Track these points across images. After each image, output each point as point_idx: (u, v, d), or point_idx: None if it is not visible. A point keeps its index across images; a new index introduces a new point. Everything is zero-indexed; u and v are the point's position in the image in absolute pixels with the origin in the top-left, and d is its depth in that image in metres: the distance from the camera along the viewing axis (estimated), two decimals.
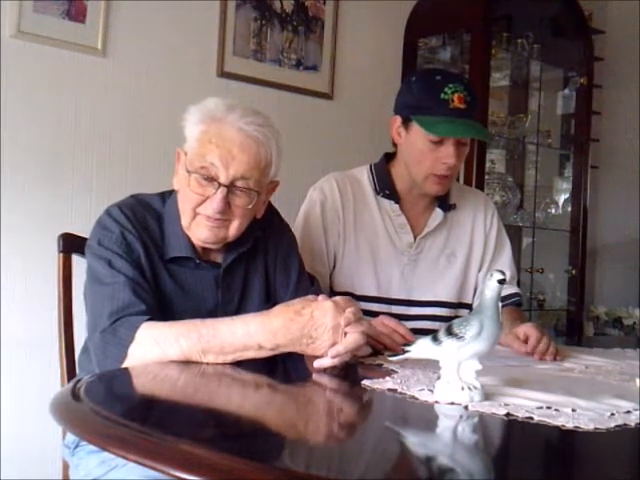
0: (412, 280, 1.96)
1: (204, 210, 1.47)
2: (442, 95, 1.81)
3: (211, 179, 1.46)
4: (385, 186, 1.97)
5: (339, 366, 1.33)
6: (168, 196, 1.58)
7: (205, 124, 1.48)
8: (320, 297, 1.36)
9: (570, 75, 3.84)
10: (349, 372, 1.33)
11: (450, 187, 1.99)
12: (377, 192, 1.98)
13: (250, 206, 1.49)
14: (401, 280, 1.95)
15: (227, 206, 1.47)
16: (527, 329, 1.69)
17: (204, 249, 1.54)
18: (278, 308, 1.36)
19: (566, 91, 3.89)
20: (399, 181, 1.97)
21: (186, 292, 1.51)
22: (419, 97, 1.86)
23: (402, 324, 1.65)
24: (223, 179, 1.45)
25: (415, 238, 1.97)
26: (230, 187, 1.46)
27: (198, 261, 1.53)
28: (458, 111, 1.81)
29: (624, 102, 4.10)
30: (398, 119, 1.92)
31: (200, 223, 1.48)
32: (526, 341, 1.67)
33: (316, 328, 1.30)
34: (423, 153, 1.86)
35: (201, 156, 1.46)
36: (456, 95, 1.81)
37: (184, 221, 1.50)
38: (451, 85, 1.82)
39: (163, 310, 1.44)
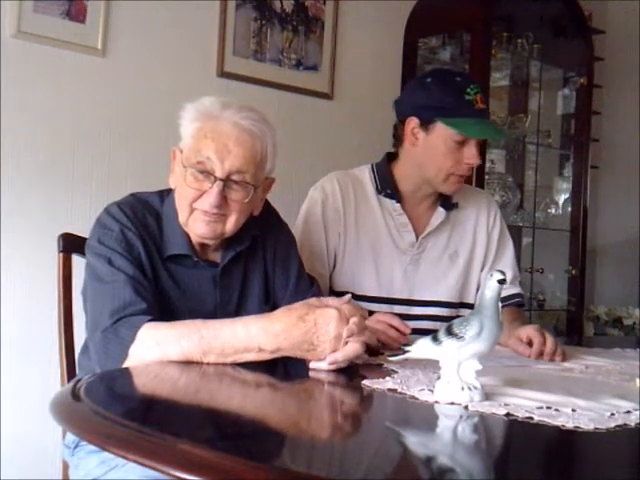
0: (414, 280, 1.96)
1: (201, 205, 1.47)
2: (466, 96, 1.81)
3: (207, 173, 1.46)
4: (387, 185, 1.97)
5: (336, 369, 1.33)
6: (167, 195, 1.58)
7: (200, 121, 1.49)
8: (327, 300, 1.35)
9: (570, 75, 3.85)
10: (349, 372, 1.33)
11: None
12: (379, 191, 1.97)
13: (246, 200, 1.49)
14: (403, 280, 1.95)
15: (224, 200, 1.47)
16: (530, 332, 1.68)
17: (202, 248, 1.54)
18: (280, 311, 1.35)
19: (566, 91, 3.89)
20: (403, 181, 1.97)
21: (184, 291, 1.51)
22: (442, 98, 1.84)
23: (396, 316, 1.66)
24: (219, 173, 1.45)
25: (417, 237, 1.97)
26: (226, 181, 1.46)
27: (196, 259, 1.53)
28: (483, 112, 1.84)
29: (624, 102, 4.10)
30: (414, 120, 1.88)
31: (197, 218, 1.48)
32: (530, 344, 1.66)
33: (318, 336, 1.29)
34: (446, 154, 1.85)
35: (197, 151, 1.47)
36: (478, 96, 1.83)
37: (181, 217, 1.50)
38: (472, 86, 1.83)
39: (162, 308, 1.44)
